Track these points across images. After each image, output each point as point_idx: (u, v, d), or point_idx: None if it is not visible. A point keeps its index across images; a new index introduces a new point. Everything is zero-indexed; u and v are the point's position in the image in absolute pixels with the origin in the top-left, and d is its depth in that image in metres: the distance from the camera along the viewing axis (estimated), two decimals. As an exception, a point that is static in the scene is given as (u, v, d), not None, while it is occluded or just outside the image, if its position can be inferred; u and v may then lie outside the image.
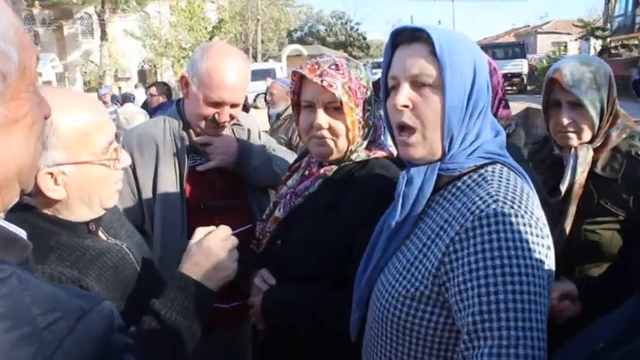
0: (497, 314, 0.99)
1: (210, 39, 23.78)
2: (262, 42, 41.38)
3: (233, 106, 1.99)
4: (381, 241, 1.28)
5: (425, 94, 1.17)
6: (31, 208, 1.24)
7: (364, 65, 1.71)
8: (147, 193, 2.02)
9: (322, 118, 1.54)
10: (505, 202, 1.06)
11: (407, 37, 1.22)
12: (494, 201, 1.07)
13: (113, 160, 1.28)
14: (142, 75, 38.63)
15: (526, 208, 1.07)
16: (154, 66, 33.85)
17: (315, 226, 1.57)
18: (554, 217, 1.89)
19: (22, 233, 0.75)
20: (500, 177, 1.15)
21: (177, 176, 2.02)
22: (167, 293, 1.31)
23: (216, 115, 1.97)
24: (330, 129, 1.55)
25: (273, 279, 1.65)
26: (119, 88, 23.82)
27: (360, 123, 1.56)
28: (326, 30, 60.34)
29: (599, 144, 1.92)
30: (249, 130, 2.26)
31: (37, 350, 0.60)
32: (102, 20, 35.00)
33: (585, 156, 1.90)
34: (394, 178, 1.51)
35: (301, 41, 52.19)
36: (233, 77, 1.93)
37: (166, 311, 1.27)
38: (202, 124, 2.01)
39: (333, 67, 1.54)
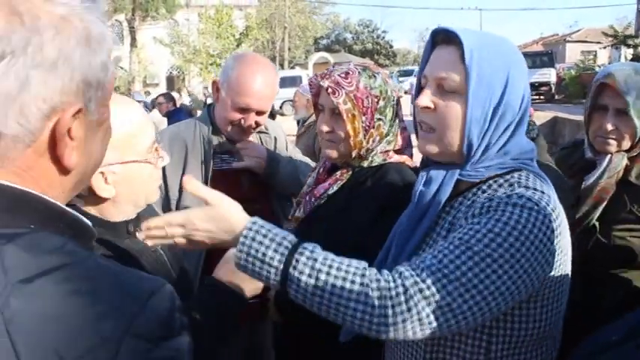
0: (464, 273, 1.03)
1: (238, 46, 24.02)
2: (289, 49, 41.62)
3: (259, 113, 2.07)
4: (397, 241, 1.31)
5: (447, 99, 1.17)
6: (72, 206, 1.29)
7: (392, 74, 1.76)
8: (174, 193, 2.10)
9: (325, 123, 1.66)
10: (523, 195, 1.09)
11: (443, 38, 1.22)
12: (512, 190, 1.11)
13: (156, 158, 1.35)
14: (170, 81, 39.16)
15: (547, 204, 1.10)
16: (182, 72, 34.26)
17: (329, 227, 1.63)
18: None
19: (88, 222, 0.82)
20: (527, 181, 1.16)
21: (203, 177, 2.09)
22: (195, 296, 1.38)
23: (242, 121, 2.05)
24: (333, 134, 1.65)
25: None
26: (147, 93, 24.18)
27: (366, 130, 1.62)
28: (353, 38, 60.49)
29: (635, 154, 1.93)
30: (275, 138, 2.33)
31: (114, 326, 0.67)
32: (132, 27, 35.61)
33: (618, 164, 1.91)
34: (405, 180, 1.58)
35: (328, 49, 52.36)
36: (260, 85, 2.01)
37: (191, 312, 1.30)
38: (229, 128, 2.10)
39: (343, 75, 1.62)
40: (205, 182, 2.08)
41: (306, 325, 1.64)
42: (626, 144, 1.92)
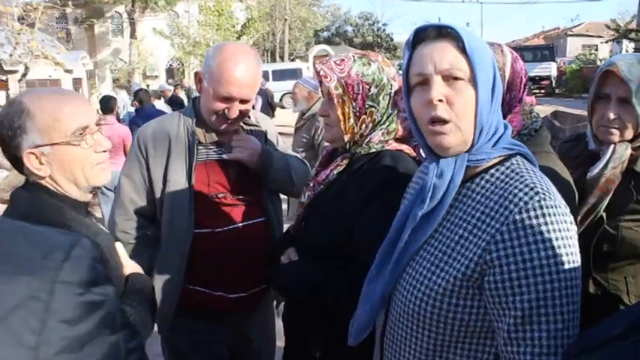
0: (553, 301, 1.08)
1: (238, 38, 23.96)
2: (289, 42, 41.52)
3: (243, 102, 2.05)
4: (405, 234, 1.29)
5: (458, 88, 1.20)
6: (40, 185, 1.44)
7: (393, 66, 1.78)
8: (158, 185, 2.13)
9: (322, 106, 1.76)
10: (545, 194, 1.13)
11: (431, 35, 1.25)
12: (536, 193, 1.12)
13: (81, 140, 1.43)
14: (170, 73, 39.08)
15: (557, 196, 1.16)
16: (182, 64, 34.19)
17: (328, 210, 1.73)
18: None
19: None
20: (527, 168, 1.22)
21: (186, 169, 2.10)
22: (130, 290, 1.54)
23: (226, 111, 2.04)
24: (328, 118, 1.73)
25: (296, 256, 1.80)
26: (147, 85, 24.15)
27: (356, 116, 1.68)
28: (353, 31, 60.32)
29: (638, 144, 1.93)
30: (265, 132, 2.32)
31: (42, 277, 0.74)
32: (132, 19, 35.55)
33: (622, 154, 1.90)
34: (399, 167, 1.65)
35: (328, 41, 52.29)
36: (242, 73, 2.00)
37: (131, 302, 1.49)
38: (213, 118, 2.08)
39: (338, 61, 1.70)
40: (189, 174, 2.10)
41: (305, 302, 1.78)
42: (629, 133, 1.91)
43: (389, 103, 1.71)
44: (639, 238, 1.91)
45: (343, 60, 1.70)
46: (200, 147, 2.14)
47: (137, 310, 1.46)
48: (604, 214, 1.94)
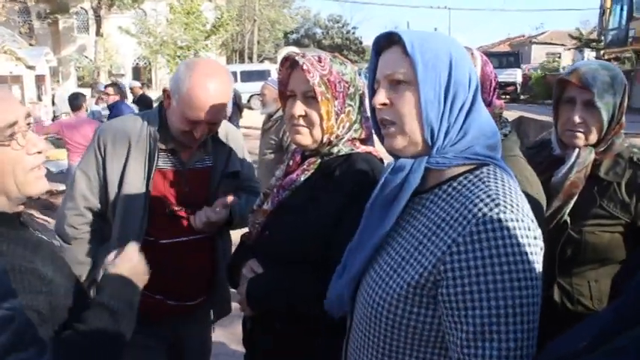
0: (506, 318, 1.04)
1: (207, 38, 23.72)
2: (258, 43, 41.34)
3: (211, 124, 2.03)
4: (363, 229, 1.31)
5: (400, 91, 1.22)
6: None
7: (360, 70, 1.77)
8: (113, 186, 2.09)
9: (299, 106, 1.63)
10: (506, 206, 1.08)
11: (386, 42, 1.28)
12: (496, 205, 1.08)
13: (10, 140, 1.22)
14: (137, 72, 38.52)
15: (523, 210, 1.11)
16: (149, 63, 33.71)
17: (297, 218, 1.63)
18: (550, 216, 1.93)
19: None
20: (496, 178, 1.17)
21: (145, 174, 2.07)
22: (105, 287, 1.43)
23: (194, 131, 2.02)
24: (306, 118, 1.63)
25: (260, 268, 1.70)
26: (114, 83, 23.68)
27: (337, 115, 1.62)
28: (322, 33, 60.45)
29: (602, 149, 1.94)
30: (230, 149, 2.26)
31: None
32: (98, 16, 34.90)
33: (586, 158, 1.92)
34: (375, 170, 1.60)
35: (297, 43, 52.26)
36: (213, 99, 1.96)
37: (110, 301, 1.38)
38: (179, 134, 2.06)
39: (316, 58, 1.64)
40: (147, 179, 2.06)
41: (277, 319, 1.66)
42: (594, 137, 1.93)
43: (360, 103, 1.68)
44: (601, 242, 1.94)
45: (321, 57, 1.65)
46: (161, 153, 2.10)
47: (113, 309, 1.36)
48: (568, 219, 1.96)
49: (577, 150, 1.94)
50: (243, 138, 2.45)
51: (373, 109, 1.31)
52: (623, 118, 1.95)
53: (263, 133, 5.23)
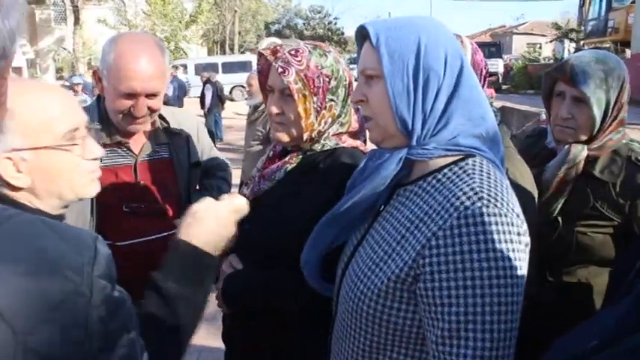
0: (482, 317, 1.00)
1: (186, 28, 23.51)
2: (239, 34, 41.07)
3: (149, 96, 1.84)
4: (338, 208, 1.31)
5: (371, 86, 1.20)
6: (6, 198, 1.17)
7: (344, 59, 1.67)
8: None
9: (274, 104, 1.56)
10: (489, 200, 1.04)
11: (362, 37, 1.25)
12: (479, 198, 1.04)
13: (72, 145, 1.22)
14: (116, 63, 38.02)
15: (508, 204, 1.06)
16: (129, 55, 33.30)
17: (279, 213, 1.58)
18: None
19: None
20: (481, 170, 1.13)
21: None
22: (165, 264, 1.24)
23: (132, 109, 1.83)
24: (282, 116, 1.56)
25: (240, 264, 1.64)
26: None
27: (317, 112, 1.54)
28: (304, 24, 60.27)
29: (596, 146, 1.87)
30: (188, 136, 2.12)
31: (81, 273, 0.73)
32: (75, 7, 34.32)
33: (577, 155, 1.85)
34: (358, 165, 1.52)
35: (279, 34, 51.97)
36: (143, 65, 1.78)
37: (165, 282, 1.20)
38: (119, 118, 1.87)
39: (293, 52, 1.53)
40: None
41: (253, 316, 1.62)
42: (584, 133, 1.86)
43: (346, 95, 1.60)
44: (593, 244, 1.88)
45: (298, 51, 1.53)
46: (106, 149, 1.84)
47: (181, 290, 1.19)
48: (560, 219, 1.91)
49: (567, 146, 1.88)
50: (195, 119, 2.32)
51: None
52: (623, 114, 1.86)
53: (249, 124, 5.18)
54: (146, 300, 1.19)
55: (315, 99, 1.53)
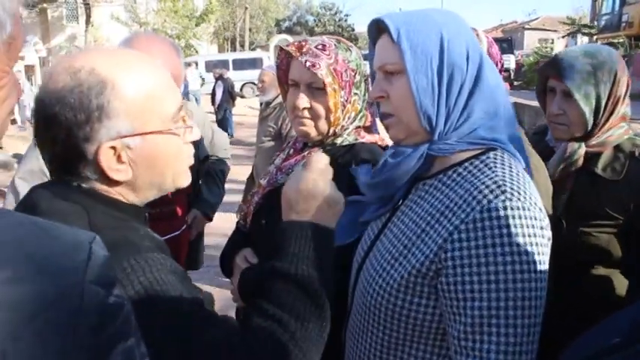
0: (506, 311, 0.99)
1: (197, 25, 23.58)
2: (250, 31, 41.11)
3: None
4: (352, 208, 1.29)
5: (393, 82, 1.17)
6: (90, 192, 1.03)
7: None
8: None
9: (303, 98, 1.54)
10: (512, 194, 1.03)
11: (377, 31, 1.23)
12: (502, 192, 1.03)
13: (185, 128, 1.08)
14: (128, 61, 38.16)
15: (531, 198, 1.05)
16: (140, 52, 33.41)
17: None
18: None
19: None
20: (503, 164, 1.12)
21: None
22: (285, 250, 1.08)
23: None
24: (311, 110, 1.54)
25: (255, 258, 1.64)
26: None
27: (344, 106, 1.54)
28: (315, 20, 60.25)
29: (595, 142, 1.82)
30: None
31: (72, 277, 0.65)
32: (87, 5, 34.50)
33: (574, 152, 1.81)
34: (377, 161, 1.50)
35: (289, 31, 52.08)
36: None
37: (294, 269, 1.04)
38: None
39: (320, 46, 1.52)
40: None
41: None
42: (578, 129, 1.81)
43: (365, 90, 1.60)
44: (599, 244, 1.83)
45: (325, 45, 1.53)
46: None
47: (304, 274, 1.04)
48: (563, 221, 1.85)
49: (563, 144, 1.84)
50: (203, 113, 2.37)
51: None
52: (623, 109, 1.81)
53: (261, 120, 5.18)
54: (275, 293, 1.03)
55: (342, 93, 1.52)
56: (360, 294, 1.24)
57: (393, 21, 1.15)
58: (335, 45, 1.54)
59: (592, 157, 1.83)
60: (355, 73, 1.55)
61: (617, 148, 1.82)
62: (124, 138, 0.98)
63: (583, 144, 1.82)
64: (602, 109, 1.77)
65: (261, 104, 5.65)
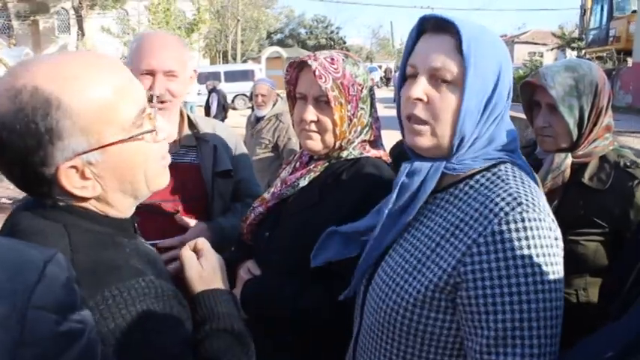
0: (529, 322, 1.00)
1: (188, 35, 23.57)
2: (242, 42, 41.16)
3: (168, 75, 1.89)
4: (376, 231, 1.24)
5: (442, 91, 1.12)
6: (70, 209, 0.99)
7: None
8: None
9: (310, 111, 1.55)
10: (528, 205, 1.04)
11: (433, 26, 1.16)
12: (519, 204, 1.04)
13: (149, 131, 1.01)
14: (119, 72, 38.01)
15: (544, 209, 1.07)
16: (132, 63, 33.33)
17: (301, 221, 1.57)
18: None
19: None
20: (514, 176, 1.13)
21: None
22: (208, 313, 1.12)
23: (152, 89, 1.87)
24: (318, 123, 1.55)
25: (258, 270, 1.64)
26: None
27: (350, 120, 1.56)
28: (306, 33, 60.37)
29: (581, 153, 1.88)
30: (214, 146, 2.08)
31: (12, 301, 0.59)
32: (79, 16, 34.45)
33: (561, 163, 1.86)
34: (384, 177, 1.53)
35: (281, 43, 52.11)
36: (160, 46, 1.92)
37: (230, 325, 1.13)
38: None
39: (329, 60, 1.54)
40: None
41: (271, 322, 1.60)
42: (564, 141, 1.87)
43: (371, 104, 1.62)
44: (586, 252, 1.87)
45: (334, 59, 1.54)
46: None
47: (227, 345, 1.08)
48: None
49: (551, 155, 1.90)
50: (235, 135, 2.33)
51: (399, 97, 1.23)
52: (607, 120, 1.88)
53: (255, 133, 5.20)
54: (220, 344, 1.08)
55: (349, 107, 1.54)
56: (371, 312, 1.22)
57: (465, 30, 1.10)
58: (343, 59, 1.56)
59: (579, 168, 1.89)
60: (362, 88, 1.57)
61: (603, 158, 1.89)
62: (82, 155, 0.93)
63: (569, 154, 1.87)
64: (585, 120, 1.84)
65: (249, 117, 5.62)
